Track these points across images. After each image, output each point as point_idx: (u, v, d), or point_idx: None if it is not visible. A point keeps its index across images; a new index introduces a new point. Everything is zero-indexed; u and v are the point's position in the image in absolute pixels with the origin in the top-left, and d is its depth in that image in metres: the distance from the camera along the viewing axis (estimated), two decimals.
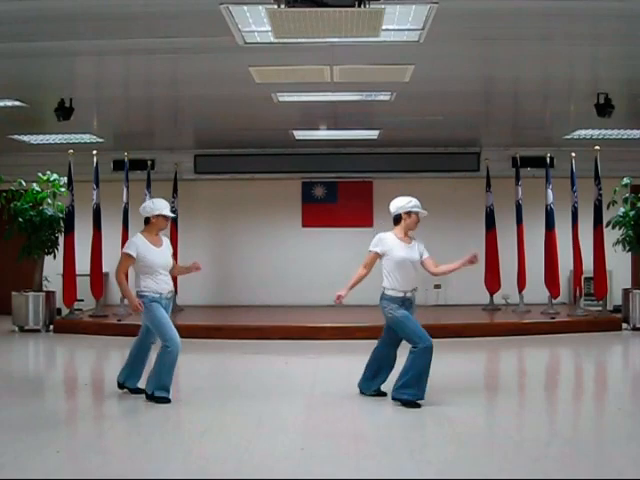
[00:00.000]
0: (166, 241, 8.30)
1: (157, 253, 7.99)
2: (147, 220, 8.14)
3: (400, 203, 7.91)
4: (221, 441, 6.53)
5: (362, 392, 8.17)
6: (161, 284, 7.93)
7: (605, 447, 6.39)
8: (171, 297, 8.08)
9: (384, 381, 8.08)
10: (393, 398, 7.71)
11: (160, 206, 8.14)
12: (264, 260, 16.95)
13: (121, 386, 8.31)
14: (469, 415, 7.29)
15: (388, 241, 7.86)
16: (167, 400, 7.77)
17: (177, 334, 7.79)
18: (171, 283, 8.11)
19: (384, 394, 7.99)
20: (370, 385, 8.13)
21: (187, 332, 13.00)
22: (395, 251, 7.80)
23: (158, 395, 7.79)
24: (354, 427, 7.05)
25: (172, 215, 8.32)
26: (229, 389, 7.89)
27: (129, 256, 7.88)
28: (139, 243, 7.94)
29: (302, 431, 6.89)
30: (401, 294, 7.79)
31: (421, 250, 7.93)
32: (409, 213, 7.87)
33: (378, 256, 7.90)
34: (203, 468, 5.64)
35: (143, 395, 7.96)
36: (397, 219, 7.94)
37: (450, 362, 10.84)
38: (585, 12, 7.74)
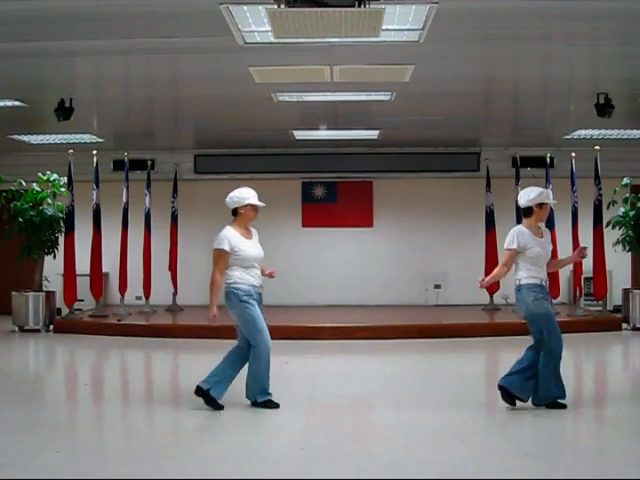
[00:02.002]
0: (255, 233, 7.79)
1: (250, 245, 7.58)
2: (234, 212, 7.59)
3: (532, 195, 7.50)
4: (221, 441, 6.54)
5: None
6: (255, 277, 7.57)
7: (605, 447, 6.39)
8: (262, 291, 7.64)
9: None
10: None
11: (248, 195, 7.53)
12: (264, 260, 16.91)
13: (200, 392, 7.45)
14: (469, 415, 7.29)
15: (525, 236, 7.49)
16: (275, 404, 7.46)
17: (268, 335, 7.42)
18: (260, 277, 7.69)
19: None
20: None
21: (188, 332, 13.08)
22: (531, 246, 7.47)
23: (262, 400, 7.46)
24: (354, 427, 7.05)
25: (261, 204, 7.59)
26: (229, 389, 7.88)
27: (224, 252, 7.42)
28: (231, 236, 7.45)
29: (302, 431, 6.88)
30: (538, 280, 7.49)
31: (549, 241, 7.69)
32: (541, 205, 7.53)
33: (517, 252, 7.52)
34: (203, 468, 5.64)
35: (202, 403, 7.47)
36: (528, 211, 7.57)
37: (450, 362, 10.88)
38: (585, 12, 7.75)
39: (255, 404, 7.50)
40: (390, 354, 11.55)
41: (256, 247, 7.68)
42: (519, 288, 7.57)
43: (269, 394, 7.53)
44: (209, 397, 7.41)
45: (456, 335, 12.71)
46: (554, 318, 7.50)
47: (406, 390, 8.62)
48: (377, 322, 13.61)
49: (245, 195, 7.54)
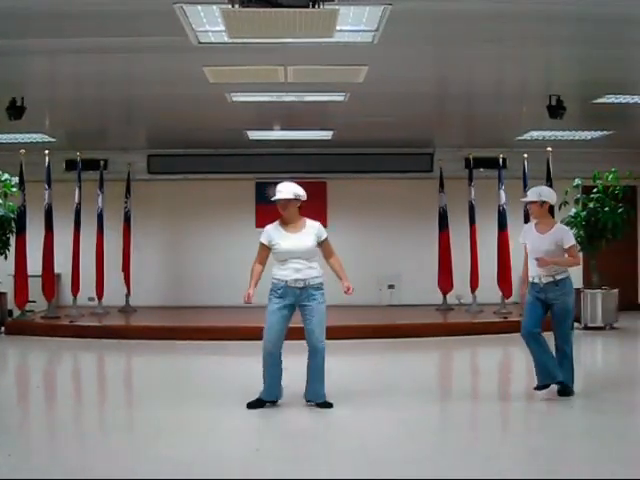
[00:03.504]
0: (310, 226, 8.01)
1: (287, 239, 7.67)
2: None
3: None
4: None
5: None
6: (288, 271, 7.53)
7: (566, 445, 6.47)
8: (303, 287, 7.53)
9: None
10: None
11: (275, 192, 8.00)
12: (218, 261, 16.85)
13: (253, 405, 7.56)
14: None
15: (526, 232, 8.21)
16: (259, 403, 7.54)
17: (272, 335, 7.53)
18: (307, 272, 7.56)
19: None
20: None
21: (141, 333, 12.99)
22: (529, 240, 8.11)
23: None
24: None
25: (277, 198, 7.96)
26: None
27: (261, 245, 7.72)
28: (270, 230, 7.78)
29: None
30: (531, 278, 8.15)
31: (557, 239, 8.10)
32: (527, 204, 8.21)
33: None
34: (173, 470, 5.61)
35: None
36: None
37: (405, 362, 10.93)
38: (537, 15, 7.82)
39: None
40: (348, 354, 11.53)
41: (294, 241, 7.68)
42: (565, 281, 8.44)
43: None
44: (264, 402, 7.56)
45: (410, 335, 12.75)
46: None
47: (363, 390, 8.64)
48: (332, 322, 13.59)
49: (274, 193, 7.95)
